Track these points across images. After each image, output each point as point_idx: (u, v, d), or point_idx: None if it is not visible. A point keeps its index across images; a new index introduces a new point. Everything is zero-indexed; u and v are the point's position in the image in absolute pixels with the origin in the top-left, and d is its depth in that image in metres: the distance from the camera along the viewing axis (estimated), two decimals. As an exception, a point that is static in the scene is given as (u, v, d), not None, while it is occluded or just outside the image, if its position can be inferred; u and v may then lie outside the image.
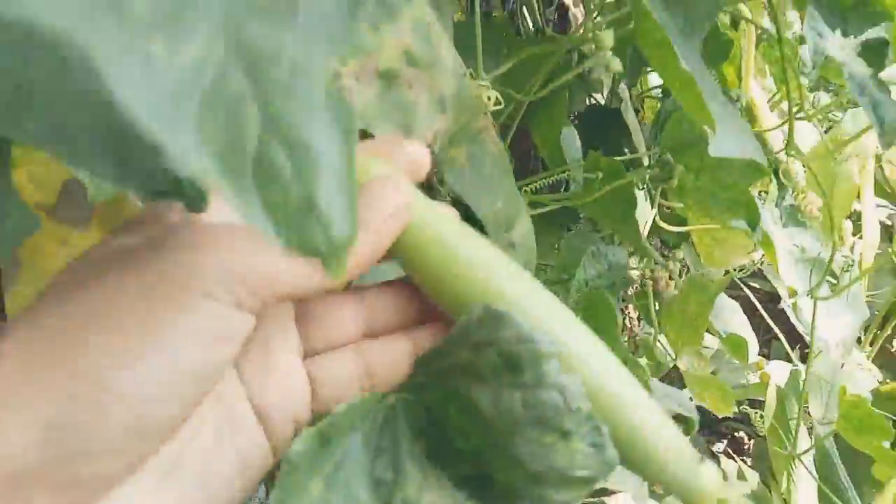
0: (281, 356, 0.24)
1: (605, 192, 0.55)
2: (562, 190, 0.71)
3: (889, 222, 1.32)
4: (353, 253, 0.21)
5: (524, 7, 0.68)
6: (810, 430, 0.97)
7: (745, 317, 1.01)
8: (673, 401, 0.57)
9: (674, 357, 0.80)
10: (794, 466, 0.91)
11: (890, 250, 1.08)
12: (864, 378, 1.02)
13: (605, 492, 0.80)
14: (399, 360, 0.26)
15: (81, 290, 0.20)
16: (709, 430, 1.74)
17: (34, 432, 0.18)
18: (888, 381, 1.09)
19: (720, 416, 0.87)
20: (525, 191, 0.60)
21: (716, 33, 0.64)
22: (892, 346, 1.32)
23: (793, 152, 0.63)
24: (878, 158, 1.04)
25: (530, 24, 0.70)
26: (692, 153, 0.59)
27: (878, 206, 1.07)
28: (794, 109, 0.60)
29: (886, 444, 0.77)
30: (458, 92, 0.42)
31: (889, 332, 1.25)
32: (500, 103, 0.42)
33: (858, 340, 1.15)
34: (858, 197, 0.93)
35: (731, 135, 0.49)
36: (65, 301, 0.20)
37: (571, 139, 0.62)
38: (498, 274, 0.25)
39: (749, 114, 0.71)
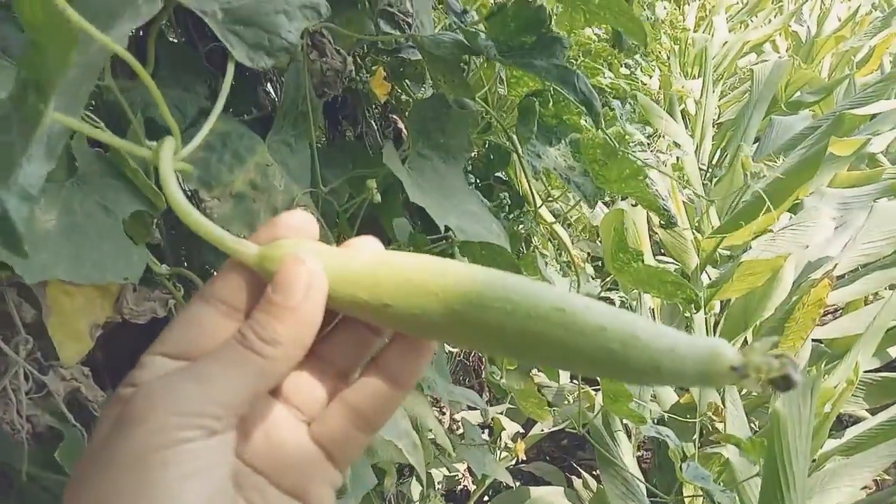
0: (286, 437, 0.26)
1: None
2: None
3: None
4: (293, 335, 0.25)
5: (368, 129, 0.92)
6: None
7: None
8: (466, 397, 0.78)
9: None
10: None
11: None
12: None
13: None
14: (381, 394, 0.27)
15: (102, 471, 0.23)
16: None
17: None
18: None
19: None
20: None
21: (497, 151, 0.90)
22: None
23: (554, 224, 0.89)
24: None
25: (378, 139, 0.95)
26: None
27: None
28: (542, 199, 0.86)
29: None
30: (287, 204, 0.65)
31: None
32: (313, 214, 0.65)
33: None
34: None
35: (480, 226, 0.73)
36: (89, 489, 0.23)
37: (401, 226, 0.86)
38: (430, 269, 0.25)
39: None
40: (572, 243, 1.87)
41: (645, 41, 0.58)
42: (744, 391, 1.69)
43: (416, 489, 1.35)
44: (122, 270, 0.43)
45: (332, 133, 0.93)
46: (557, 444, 2.16)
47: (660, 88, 3.07)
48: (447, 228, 0.72)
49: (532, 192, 0.90)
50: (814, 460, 1.36)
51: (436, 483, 1.53)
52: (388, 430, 0.67)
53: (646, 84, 2.71)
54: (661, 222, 0.66)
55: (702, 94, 2.80)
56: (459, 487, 1.83)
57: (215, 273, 0.56)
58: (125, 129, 0.50)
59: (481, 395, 1.65)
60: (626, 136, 0.73)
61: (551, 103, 0.73)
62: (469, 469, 1.80)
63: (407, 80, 0.77)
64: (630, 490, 0.89)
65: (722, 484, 1.18)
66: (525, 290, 0.25)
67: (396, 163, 0.67)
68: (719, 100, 3.48)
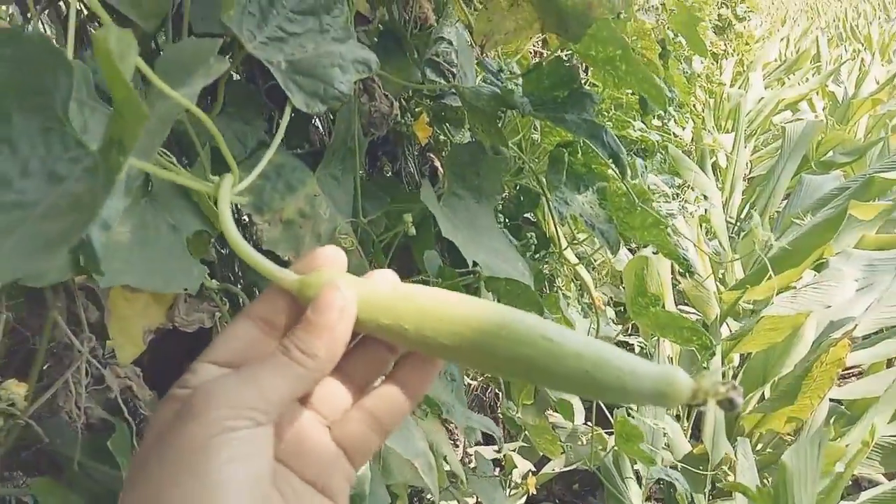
0: (312, 438, 0.31)
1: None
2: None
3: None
4: (327, 350, 0.29)
5: (406, 166, 0.98)
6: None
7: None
8: (483, 424, 0.81)
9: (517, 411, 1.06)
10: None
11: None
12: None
13: None
14: (395, 402, 0.32)
15: (160, 459, 0.27)
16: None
17: None
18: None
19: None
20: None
21: (527, 193, 0.94)
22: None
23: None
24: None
25: (415, 176, 1.01)
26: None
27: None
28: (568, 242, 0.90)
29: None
30: (330, 232, 0.70)
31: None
32: (352, 243, 0.70)
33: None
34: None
35: (506, 264, 0.77)
36: (143, 482, 0.27)
37: (431, 258, 0.91)
38: (440, 303, 0.30)
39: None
40: (595, 286, 1.90)
41: (665, 107, 0.63)
42: (758, 446, 1.68)
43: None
44: (182, 282, 0.48)
45: (371, 168, 0.98)
46: (568, 487, 2.15)
47: (692, 141, 3.10)
48: (475, 263, 0.76)
49: (558, 234, 0.94)
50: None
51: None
52: (406, 449, 0.70)
53: (678, 136, 2.75)
54: (681, 270, 0.69)
55: (733, 149, 2.82)
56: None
57: (258, 292, 0.60)
58: (194, 158, 0.55)
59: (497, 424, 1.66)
60: (649, 191, 0.77)
61: (580, 153, 0.77)
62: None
63: (447, 124, 0.82)
64: (636, 531, 0.90)
65: (730, 536, 1.18)
66: (515, 319, 0.29)
67: (432, 200, 0.72)
68: (752, 155, 3.50)
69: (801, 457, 0.76)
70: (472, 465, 1.40)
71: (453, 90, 0.76)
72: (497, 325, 0.29)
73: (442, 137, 1.00)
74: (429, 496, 1.35)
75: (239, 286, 0.69)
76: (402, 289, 0.31)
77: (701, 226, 2.19)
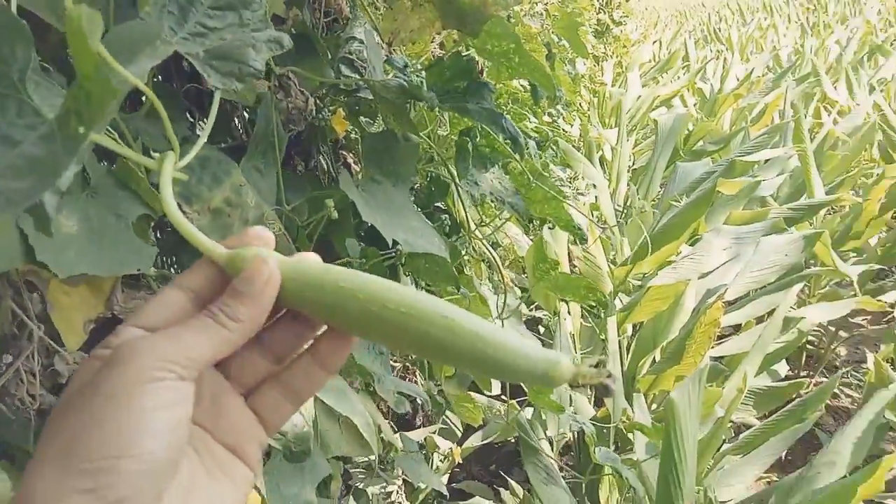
0: (228, 403, 0.33)
1: (365, 270, 0.89)
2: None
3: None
4: (251, 316, 0.31)
5: (320, 162, 1.03)
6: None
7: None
8: (412, 390, 0.87)
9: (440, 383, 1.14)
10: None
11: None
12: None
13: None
14: (311, 374, 0.34)
15: (80, 408, 0.28)
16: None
17: (83, 500, 0.25)
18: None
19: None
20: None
21: (438, 182, 1.02)
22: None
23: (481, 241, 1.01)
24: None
25: (329, 172, 1.06)
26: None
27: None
28: (476, 225, 0.98)
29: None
30: (257, 219, 0.74)
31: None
32: (280, 228, 0.75)
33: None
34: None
35: (424, 240, 0.84)
36: (68, 424, 0.27)
37: (352, 245, 0.96)
38: (357, 283, 0.32)
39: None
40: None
41: (554, 93, 0.72)
42: (652, 406, 1.85)
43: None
44: (135, 263, 0.52)
45: (285, 167, 1.03)
46: (486, 467, 2.25)
47: (580, 136, 3.31)
48: (395, 244, 0.83)
49: (468, 219, 1.03)
50: (712, 460, 1.52)
51: (370, 500, 1.59)
52: (346, 408, 0.76)
53: (566, 132, 2.93)
54: (576, 240, 0.79)
55: (617, 142, 3.05)
56: (397, 507, 1.89)
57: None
58: (114, 160, 0.59)
59: (416, 415, 1.74)
60: (546, 171, 0.86)
61: (483, 136, 0.86)
62: (404, 485, 1.87)
63: (361, 117, 0.88)
64: (551, 476, 1.00)
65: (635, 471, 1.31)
66: (421, 300, 0.32)
67: (351, 186, 0.78)
68: (633, 148, 3.77)
69: (686, 393, 0.88)
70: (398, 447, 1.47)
71: (365, 85, 0.82)
72: (408, 305, 0.31)
73: (353, 136, 1.06)
74: (360, 478, 1.40)
75: (173, 273, 0.72)
76: (323, 268, 0.33)
77: (592, 213, 2.36)
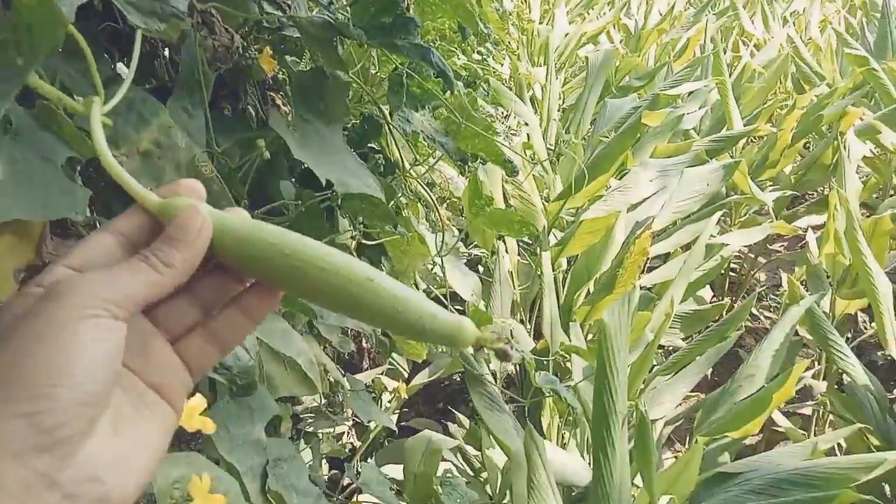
0: (155, 348, 0.34)
1: (302, 212, 0.89)
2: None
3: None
4: (183, 262, 0.32)
5: (248, 105, 1.02)
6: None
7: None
8: (357, 325, 0.90)
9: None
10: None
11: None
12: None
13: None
14: (238, 325, 0.36)
15: (17, 339, 0.29)
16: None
17: (20, 423, 0.27)
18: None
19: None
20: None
21: (371, 122, 1.02)
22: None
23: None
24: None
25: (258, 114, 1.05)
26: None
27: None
28: (411, 164, 1.00)
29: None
30: (189, 161, 0.73)
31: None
32: (212, 170, 0.74)
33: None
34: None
35: (358, 180, 0.85)
36: (4, 354, 0.28)
37: (286, 187, 0.96)
38: (286, 241, 0.34)
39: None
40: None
41: (476, 30, 0.73)
42: (588, 336, 1.95)
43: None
44: (70, 205, 0.51)
45: (214, 109, 1.00)
46: (433, 405, 2.33)
47: (511, 75, 3.32)
48: (329, 185, 0.84)
49: (402, 159, 1.04)
50: (644, 382, 1.62)
51: (321, 440, 1.63)
52: (289, 349, 0.78)
53: (497, 70, 2.94)
54: (508, 176, 0.82)
55: (546, 80, 3.07)
56: (347, 448, 1.95)
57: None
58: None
59: (362, 359, 1.77)
60: (476, 109, 0.88)
61: (413, 76, 0.87)
62: (354, 427, 1.92)
63: (288, 57, 0.87)
64: (495, 402, 1.06)
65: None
66: (347, 261, 0.34)
67: (282, 125, 0.78)
68: (563, 86, 3.81)
69: (616, 314, 0.94)
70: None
71: (291, 22, 0.81)
72: (331, 264, 0.33)
73: (281, 76, 1.04)
74: (308, 421, 1.43)
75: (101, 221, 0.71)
76: (253, 223, 0.35)
77: (525, 151, 2.40)
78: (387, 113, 0.90)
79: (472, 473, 1.47)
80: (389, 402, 1.82)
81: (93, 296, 0.30)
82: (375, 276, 0.34)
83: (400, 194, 1.00)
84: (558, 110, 3.30)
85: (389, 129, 1.00)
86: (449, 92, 0.81)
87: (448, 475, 1.27)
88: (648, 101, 2.33)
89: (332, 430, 1.68)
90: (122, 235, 0.34)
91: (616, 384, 0.90)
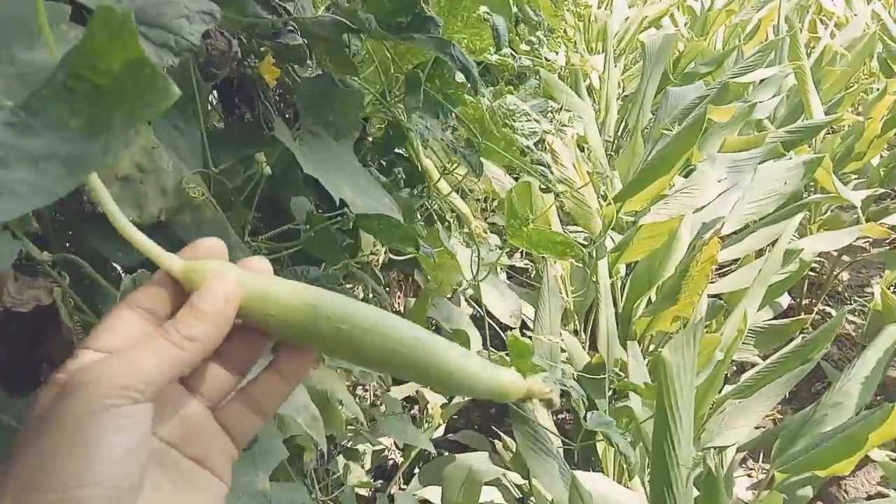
0: (194, 417, 0.33)
1: (311, 235, 0.80)
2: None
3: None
4: (209, 335, 0.31)
5: (266, 112, 0.93)
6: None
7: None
8: None
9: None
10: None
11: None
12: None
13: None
14: (274, 388, 0.35)
15: (39, 439, 0.28)
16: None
17: None
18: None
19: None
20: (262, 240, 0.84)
21: (395, 128, 0.92)
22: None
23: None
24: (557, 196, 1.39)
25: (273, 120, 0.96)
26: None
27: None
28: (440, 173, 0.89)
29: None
30: (176, 185, 0.65)
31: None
32: (201, 194, 0.65)
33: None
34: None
35: (373, 200, 0.76)
36: (29, 455, 0.28)
37: (300, 204, 0.87)
38: (325, 303, 0.33)
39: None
40: (486, 217, 1.93)
41: (510, 16, 0.62)
42: (650, 347, 1.80)
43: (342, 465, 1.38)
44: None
45: (230, 117, 0.92)
46: (485, 413, 2.23)
47: (566, 64, 3.15)
48: (343, 204, 0.74)
49: (421, 165, 0.92)
50: (713, 404, 1.47)
51: (361, 457, 1.56)
52: (286, 406, 0.69)
53: (551, 61, 2.78)
54: (541, 186, 0.71)
55: (604, 69, 2.90)
56: (390, 463, 1.87)
57: (104, 258, 0.56)
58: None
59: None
60: (510, 116, 0.77)
61: (436, 79, 0.76)
62: (396, 443, 1.84)
63: (291, 64, 0.78)
64: (540, 441, 0.95)
65: (630, 433, 1.26)
66: (390, 321, 0.33)
67: (287, 136, 0.69)
68: (622, 74, 3.62)
69: (679, 349, 0.81)
70: (383, 409, 1.42)
71: (290, 26, 0.71)
72: (375, 324, 0.33)
73: (289, 83, 0.95)
74: (348, 437, 1.36)
75: (82, 256, 0.63)
76: (282, 284, 0.34)
77: (579, 147, 2.25)
78: (398, 116, 0.79)
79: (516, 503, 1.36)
80: (430, 417, 1.72)
81: (111, 385, 0.29)
82: (422, 336, 0.33)
83: (427, 206, 0.90)
84: (618, 100, 3.12)
85: (407, 129, 0.90)
86: (474, 94, 0.69)
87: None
88: (716, 90, 2.14)
89: (373, 446, 1.61)
90: (144, 309, 0.32)
91: (679, 434, 0.77)
